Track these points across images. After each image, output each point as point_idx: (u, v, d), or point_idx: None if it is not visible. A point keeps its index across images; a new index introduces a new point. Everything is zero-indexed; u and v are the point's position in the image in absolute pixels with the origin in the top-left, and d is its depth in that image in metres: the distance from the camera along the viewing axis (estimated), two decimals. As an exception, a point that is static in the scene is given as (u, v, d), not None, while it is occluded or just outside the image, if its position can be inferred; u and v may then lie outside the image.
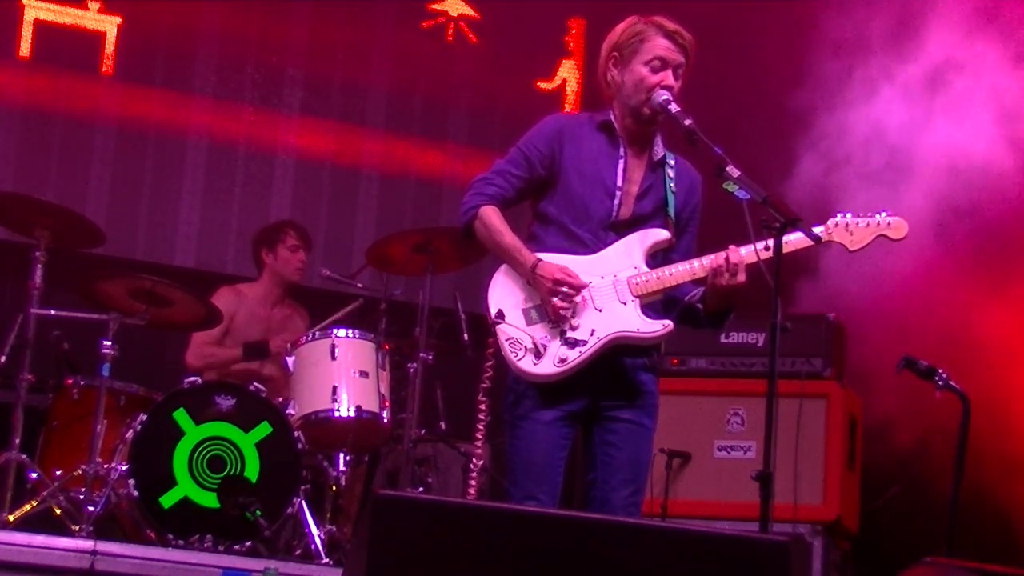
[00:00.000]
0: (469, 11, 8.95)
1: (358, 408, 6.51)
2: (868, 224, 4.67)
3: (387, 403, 6.61)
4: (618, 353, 4.62)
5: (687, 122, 4.56)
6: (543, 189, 4.73)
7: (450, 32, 8.93)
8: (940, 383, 5.60)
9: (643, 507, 5.25)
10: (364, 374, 6.57)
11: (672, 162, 4.77)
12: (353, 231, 8.63)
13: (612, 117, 4.75)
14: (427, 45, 8.89)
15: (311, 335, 6.72)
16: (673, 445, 6.72)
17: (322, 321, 7.06)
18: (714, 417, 6.81)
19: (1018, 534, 6.94)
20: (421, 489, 6.98)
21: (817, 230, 4.59)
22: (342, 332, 6.66)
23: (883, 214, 4.69)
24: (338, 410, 6.49)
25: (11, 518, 5.95)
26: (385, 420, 6.60)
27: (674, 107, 4.61)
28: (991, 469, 6.85)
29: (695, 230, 4.85)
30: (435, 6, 8.93)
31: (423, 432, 6.87)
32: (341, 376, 6.54)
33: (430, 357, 6.72)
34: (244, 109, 8.57)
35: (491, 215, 4.66)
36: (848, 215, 4.69)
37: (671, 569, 3.56)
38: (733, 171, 4.48)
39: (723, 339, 6.93)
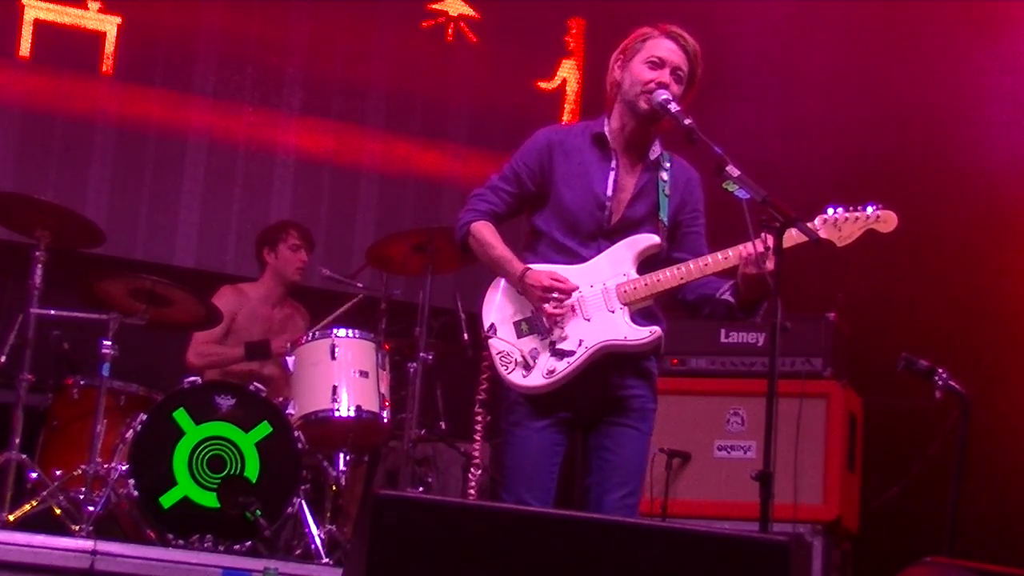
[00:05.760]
0: (469, 11, 8.94)
1: (358, 408, 6.51)
2: (857, 218, 4.60)
3: (387, 403, 6.61)
4: (610, 362, 4.62)
5: (687, 121, 4.57)
6: (536, 203, 4.77)
7: (450, 32, 8.92)
8: (940, 383, 5.59)
9: (643, 507, 5.25)
10: (364, 374, 6.57)
11: (668, 164, 4.76)
12: (353, 231, 8.63)
13: (606, 127, 4.75)
14: (427, 45, 8.88)
15: (311, 335, 6.72)
16: (673, 445, 6.72)
17: (322, 321, 7.06)
18: (714, 417, 6.81)
19: (1018, 534, 6.94)
20: (421, 489, 6.98)
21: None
22: (342, 332, 6.66)
23: (872, 207, 4.61)
24: (338, 410, 6.49)
25: (11, 518, 5.94)
26: (385, 420, 6.60)
27: (674, 106, 4.62)
28: (991, 469, 6.84)
29: (701, 229, 4.82)
30: (435, 6, 8.92)
31: (423, 432, 6.87)
32: (341, 376, 6.54)
33: (430, 357, 6.72)
34: (244, 109, 8.56)
35: (483, 230, 4.72)
36: (839, 209, 4.61)
37: (671, 569, 3.56)
38: (733, 170, 4.47)
39: (723, 339, 6.93)
